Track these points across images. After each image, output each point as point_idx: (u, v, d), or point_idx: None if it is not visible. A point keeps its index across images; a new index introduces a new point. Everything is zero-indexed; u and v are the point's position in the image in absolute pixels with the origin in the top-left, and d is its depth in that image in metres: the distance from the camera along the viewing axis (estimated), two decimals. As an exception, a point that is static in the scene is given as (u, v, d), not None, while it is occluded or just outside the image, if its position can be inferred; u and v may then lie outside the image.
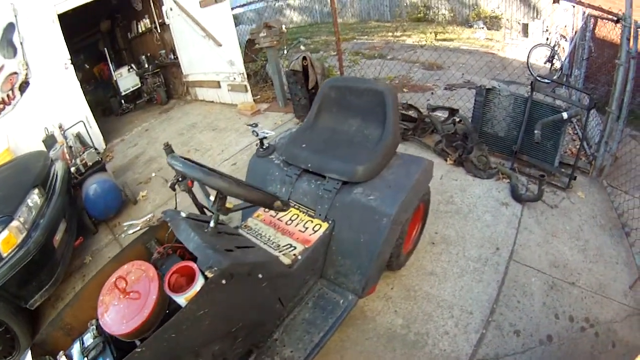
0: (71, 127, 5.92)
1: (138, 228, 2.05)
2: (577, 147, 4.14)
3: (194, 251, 1.67)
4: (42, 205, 3.61)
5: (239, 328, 1.94)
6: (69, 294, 4.04)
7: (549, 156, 3.96)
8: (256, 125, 2.95)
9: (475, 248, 3.22)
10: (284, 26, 5.46)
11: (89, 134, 6.24)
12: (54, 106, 6.16)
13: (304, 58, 5.25)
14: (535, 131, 3.71)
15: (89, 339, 1.72)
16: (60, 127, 6.09)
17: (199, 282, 1.61)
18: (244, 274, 1.79)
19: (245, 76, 6.23)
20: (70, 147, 5.23)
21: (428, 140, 4.64)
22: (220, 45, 6.19)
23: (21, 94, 5.96)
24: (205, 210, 2.79)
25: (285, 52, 7.89)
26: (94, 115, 6.70)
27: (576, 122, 4.79)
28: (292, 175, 2.67)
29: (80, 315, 1.86)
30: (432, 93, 6.31)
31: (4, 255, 3.07)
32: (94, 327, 1.74)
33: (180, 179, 2.19)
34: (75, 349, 1.76)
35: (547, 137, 3.85)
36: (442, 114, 4.90)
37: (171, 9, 6.92)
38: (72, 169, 4.60)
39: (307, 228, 2.47)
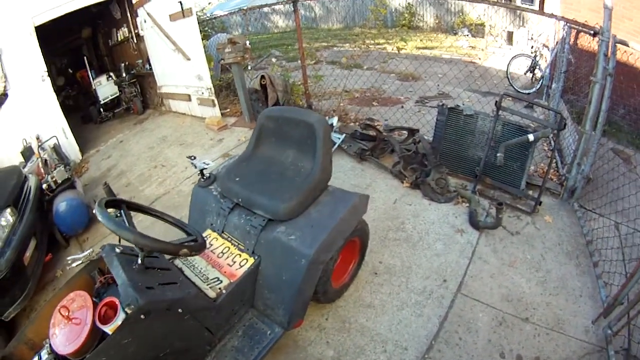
0: (47, 140, 5.98)
1: (80, 262, 2.31)
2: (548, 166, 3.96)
3: (119, 287, 1.89)
4: (13, 224, 3.82)
5: (167, 353, 2.17)
6: (42, 306, 4.15)
7: (515, 178, 3.88)
8: (194, 158, 3.05)
9: (420, 279, 3.13)
10: (247, 42, 5.50)
11: (60, 147, 6.25)
12: (31, 118, 6.24)
13: (262, 77, 5.33)
14: (498, 154, 3.67)
15: (44, 354, 2.01)
16: (37, 138, 6.15)
17: (120, 317, 1.87)
18: (162, 309, 1.99)
19: (213, 91, 6.32)
20: (46, 160, 5.29)
21: (387, 160, 4.63)
22: (189, 59, 6.28)
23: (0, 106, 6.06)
24: None
25: (250, 67, 7.92)
26: (74, 123, 6.81)
27: (552, 137, 4.62)
28: (225, 208, 2.77)
29: (40, 332, 2.15)
30: (402, 107, 6.35)
31: None
32: (48, 345, 2.00)
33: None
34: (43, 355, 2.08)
35: (514, 158, 3.80)
36: (400, 135, 4.95)
37: (145, 21, 6.99)
38: (44, 186, 4.72)
39: (235, 262, 2.57)
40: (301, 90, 6.14)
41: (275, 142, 2.91)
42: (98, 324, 1.89)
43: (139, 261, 2.03)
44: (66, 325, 1.93)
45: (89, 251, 2.43)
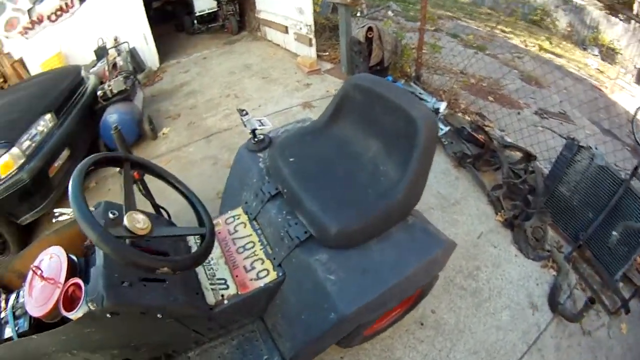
0: (124, 43, 5.62)
1: (67, 217, 1.95)
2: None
3: (90, 273, 1.59)
4: (49, 132, 3.70)
5: (141, 344, 1.87)
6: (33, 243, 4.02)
7: (614, 263, 2.92)
8: (245, 113, 2.40)
9: (465, 353, 2.43)
10: None
11: (137, 52, 6.07)
12: (112, 17, 5.97)
13: (370, 29, 4.51)
14: (614, 232, 2.75)
15: (22, 295, 1.80)
16: (115, 39, 5.88)
17: (82, 308, 1.54)
18: (135, 313, 1.61)
19: (312, 29, 5.54)
20: (115, 64, 4.93)
21: (488, 177, 3.65)
22: (293, -12, 5.57)
23: (80, 3, 5.84)
24: (163, 210, 2.46)
25: (361, 14, 7.06)
26: (167, 30, 6.69)
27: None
28: (265, 192, 2.11)
29: (27, 268, 1.86)
30: (519, 113, 5.30)
31: (1, 177, 3.33)
32: (21, 296, 1.81)
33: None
34: (11, 299, 1.91)
35: (624, 240, 2.84)
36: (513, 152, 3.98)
37: None
38: (99, 92, 4.36)
39: (253, 268, 1.98)
40: (412, 56, 5.19)
41: (358, 122, 2.09)
42: (61, 309, 1.57)
43: (127, 241, 1.55)
44: (40, 282, 1.69)
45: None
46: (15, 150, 3.41)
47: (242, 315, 2.04)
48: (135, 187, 2.27)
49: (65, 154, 3.77)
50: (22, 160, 3.42)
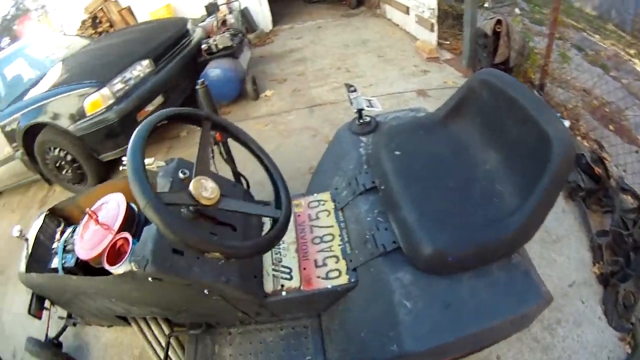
0: (238, 1, 5.77)
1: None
2: None
3: (145, 230, 1.48)
4: (145, 77, 3.92)
5: (182, 310, 1.88)
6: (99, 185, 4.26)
7: None
8: (354, 90, 2.13)
9: None
10: None
11: (250, 12, 6.15)
12: None
13: (498, 22, 4.13)
14: None
15: (77, 233, 1.82)
16: None
17: (125, 265, 1.49)
18: (180, 284, 1.51)
19: (435, 13, 5.22)
20: (224, 21, 5.05)
21: (595, 217, 3.14)
22: (417, -33, 5.25)
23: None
24: (243, 179, 2.36)
25: (488, 5, 6.62)
26: None
27: None
28: (359, 183, 1.84)
29: (89, 205, 1.92)
30: (637, 152, 4.76)
31: (88, 114, 3.61)
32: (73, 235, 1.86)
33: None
34: (67, 232, 2.00)
35: None
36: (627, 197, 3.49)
37: None
38: (204, 46, 4.50)
39: (324, 265, 1.77)
40: (538, 62, 4.75)
41: (480, 125, 1.72)
42: (104, 260, 1.57)
43: (189, 209, 1.47)
44: (95, 225, 1.71)
45: (151, 160, 1.89)
46: (105, 90, 3.62)
47: (298, 310, 1.91)
48: (216, 150, 2.21)
49: (158, 100, 3.96)
50: (111, 101, 3.64)
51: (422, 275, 1.44)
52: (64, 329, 2.76)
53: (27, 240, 2.11)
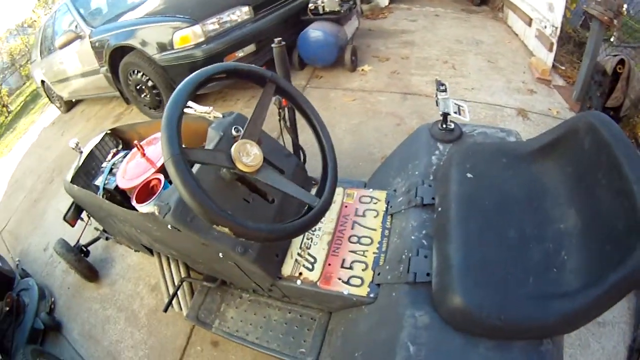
0: None
1: (193, 111, 1.93)
2: None
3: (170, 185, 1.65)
4: (239, 23, 4.04)
5: (198, 262, 1.98)
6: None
7: None
8: (445, 90, 1.87)
9: None
10: (625, 6, 3.78)
11: None
12: None
13: (621, 61, 3.73)
14: None
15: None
16: None
17: (149, 206, 1.60)
18: (195, 240, 1.55)
19: (557, 33, 4.83)
20: None
21: None
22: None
23: None
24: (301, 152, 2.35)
25: (615, 39, 5.98)
26: None
27: None
28: (418, 194, 1.64)
29: (147, 135, 2.12)
30: None
31: (175, 47, 3.85)
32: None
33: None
34: (117, 156, 2.15)
35: None
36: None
37: None
38: (311, 5, 4.50)
39: (350, 268, 1.68)
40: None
41: (569, 174, 1.39)
42: (133, 196, 1.77)
43: (225, 171, 1.52)
44: (139, 158, 1.89)
45: (208, 108, 1.94)
46: (197, 28, 3.78)
47: (311, 301, 1.87)
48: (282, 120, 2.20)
49: (249, 48, 4.09)
50: (200, 39, 3.81)
51: (439, 323, 1.25)
52: (95, 240, 3.02)
53: (81, 153, 2.33)
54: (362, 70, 4.60)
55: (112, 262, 3.22)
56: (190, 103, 1.85)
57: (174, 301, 2.28)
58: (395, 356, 1.21)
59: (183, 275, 2.31)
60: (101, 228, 2.80)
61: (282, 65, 2.25)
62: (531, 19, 5.50)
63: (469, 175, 1.48)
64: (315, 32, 4.25)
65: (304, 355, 1.75)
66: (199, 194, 1.12)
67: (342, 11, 4.41)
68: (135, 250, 2.81)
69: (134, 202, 1.73)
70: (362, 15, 6.18)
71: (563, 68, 5.30)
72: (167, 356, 2.42)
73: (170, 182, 1.53)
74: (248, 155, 1.31)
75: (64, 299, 3.20)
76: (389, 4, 6.52)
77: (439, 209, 1.48)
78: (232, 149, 1.30)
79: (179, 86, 1.26)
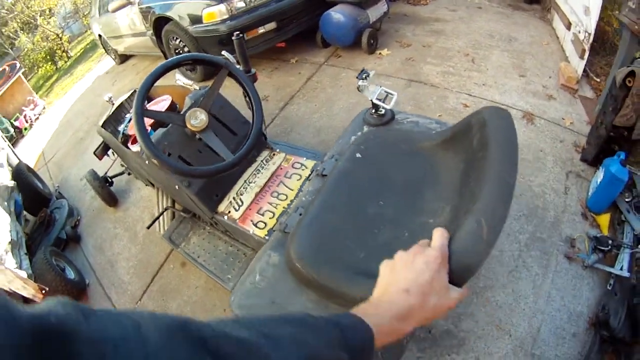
0: None
1: (182, 84, 2.73)
2: None
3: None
4: (266, 2, 4.43)
5: (175, 195, 2.67)
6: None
7: None
8: (367, 76, 1.95)
9: None
10: None
11: None
12: None
13: (631, 74, 3.13)
14: None
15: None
16: None
17: (136, 147, 2.43)
18: (163, 173, 2.21)
19: (590, 39, 4.47)
20: None
21: None
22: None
23: None
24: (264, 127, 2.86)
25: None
26: None
27: None
28: (323, 166, 1.93)
29: (162, 93, 2.84)
30: None
31: (204, 22, 4.40)
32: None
33: None
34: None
35: None
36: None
37: None
38: None
39: (262, 214, 2.17)
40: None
41: (462, 171, 1.34)
42: (130, 140, 2.56)
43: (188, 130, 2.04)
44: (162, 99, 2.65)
45: (191, 82, 2.70)
46: (222, 7, 4.29)
47: (239, 237, 2.39)
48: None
49: (270, 26, 4.50)
50: (225, 16, 4.31)
51: (283, 265, 1.48)
52: (119, 174, 3.82)
53: (113, 104, 2.98)
54: (380, 53, 4.67)
55: (129, 193, 3.99)
56: (180, 77, 2.70)
57: (160, 225, 2.91)
58: (246, 278, 1.53)
59: (166, 205, 2.87)
60: (125, 165, 3.39)
61: (240, 52, 2.50)
62: (570, 22, 5.16)
63: (357, 155, 1.63)
64: (337, 14, 4.41)
65: (229, 280, 2.31)
66: (144, 137, 1.80)
67: (362, -1, 4.50)
68: (146, 185, 3.37)
69: (129, 144, 2.46)
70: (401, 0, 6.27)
71: (598, 80, 4.87)
72: (149, 268, 3.16)
73: (154, 131, 2.20)
74: (196, 119, 1.95)
75: (88, 218, 4.11)
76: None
77: (325, 180, 1.66)
78: (187, 113, 1.93)
79: (150, 73, 1.89)
